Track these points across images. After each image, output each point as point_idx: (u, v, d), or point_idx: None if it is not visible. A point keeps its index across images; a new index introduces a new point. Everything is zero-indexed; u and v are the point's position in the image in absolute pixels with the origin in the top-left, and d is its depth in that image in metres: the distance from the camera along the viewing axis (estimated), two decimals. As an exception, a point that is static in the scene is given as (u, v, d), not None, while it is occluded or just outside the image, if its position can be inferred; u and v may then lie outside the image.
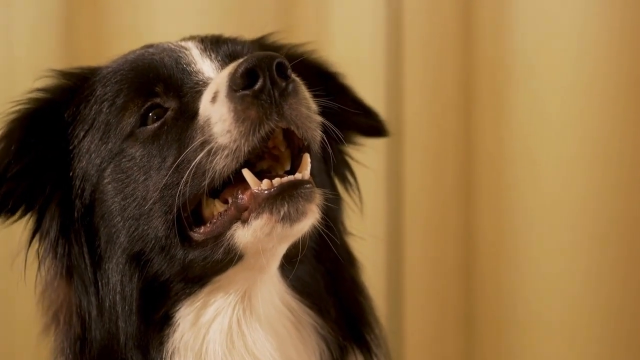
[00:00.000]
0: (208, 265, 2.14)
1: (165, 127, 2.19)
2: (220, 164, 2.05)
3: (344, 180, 2.50)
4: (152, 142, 2.19)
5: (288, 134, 2.10)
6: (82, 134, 2.27)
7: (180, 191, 2.09)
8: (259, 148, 2.06)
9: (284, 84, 2.04)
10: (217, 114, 2.06)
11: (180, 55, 2.25)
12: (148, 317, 2.19)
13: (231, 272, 2.15)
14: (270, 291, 2.22)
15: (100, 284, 2.23)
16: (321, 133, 2.12)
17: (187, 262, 2.15)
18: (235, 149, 2.04)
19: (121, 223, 2.20)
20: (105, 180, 2.23)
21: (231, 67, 2.07)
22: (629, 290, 3.66)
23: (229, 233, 2.08)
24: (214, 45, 2.29)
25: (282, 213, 2.04)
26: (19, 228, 2.31)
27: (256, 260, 2.12)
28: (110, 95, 2.26)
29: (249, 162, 2.08)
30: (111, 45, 3.32)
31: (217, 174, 2.05)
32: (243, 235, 2.07)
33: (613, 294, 3.66)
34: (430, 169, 3.78)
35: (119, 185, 2.21)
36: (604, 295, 3.66)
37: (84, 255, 2.24)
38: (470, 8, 3.76)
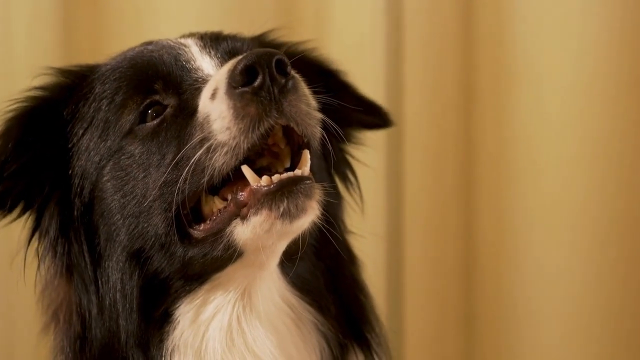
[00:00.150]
0: (208, 262, 2.13)
1: (165, 125, 2.18)
2: (220, 161, 2.04)
3: (345, 179, 2.50)
4: (152, 139, 2.18)
5: (288, 131, 2.09)
6: (81, 131, 2.27)
7: (179, 188, 2.08)
8: (259, 145, 2.06)
9: (283, 80, 2.04)
10: (216, 110, 2.06)
11: (180, 52, 2.25)
12: (148, 314, 2.18)
13: (231, 269, 2.15)
14: (270, 288, 2.22)
15: (100, 282, 2.23)
16: (321, 130, 2.12)
17: (187, 260, 2.14)
18: (235, 146, 2.04)
19: (121, 221, 2.20)
20: (105, 178, 2.22)
21: (230, 64, 2.07)
22: (629, 290, 3.66)
23: (228, 230, 2.08)
24: (214, 42, 2.29)
25: (281, 209, 2.03)
26: (18, 227, 2.31)
27: (256, 257, 2.11)
28: (109, 92, 2.26)
29: (249, 159, 2.08)
30: (110, 43, 3.32)
31: (216, 171, 2.05)
32: (242, 231, 2.07)
33: (613, 294, 3.65)
34: (430, 169, 3.78)
35: (118, 182, 2.21)
36: (604, 295, 3.65)
37: (84, 253, 2.24)
38: (470, 8, 3.76)
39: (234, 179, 2.09)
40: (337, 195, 2.42)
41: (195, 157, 2.05)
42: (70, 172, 2.27)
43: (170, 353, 2.17)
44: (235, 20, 3.49)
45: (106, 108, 2.25)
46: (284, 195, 2.04)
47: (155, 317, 2.18)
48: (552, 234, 3.67)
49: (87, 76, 2.32)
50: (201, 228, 2.13)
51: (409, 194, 3.76)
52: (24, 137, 2.26)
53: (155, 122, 2.20)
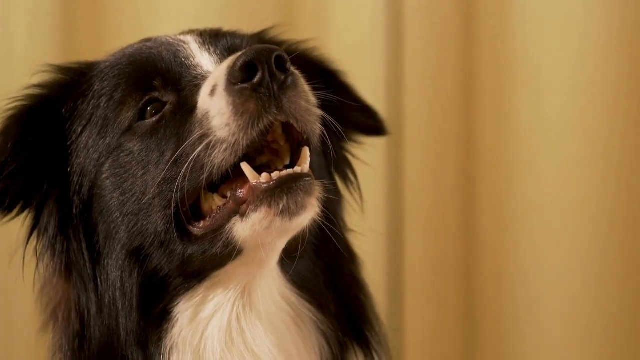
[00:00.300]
0: (207, 260, 2.12)
1: (164, 121, 2.18)
2: (219, 158, 2.03)
3: (345, 178, 2.49)
4: (151, 136, 2.18)
5: (287, 128, 2.08)
6: (79, 129, 2.26)
7: (178, 185, 2.07)
8: (258, 142, 2.05)
9: (283, 77, 2.03)
10: (215, 107, 2.05)
11: (179, 48, 2.24)
12: (147, 312, 2.17)
13: (230, 267, 2.14)
14: (269, 286, 2.21)
15: (99, 280, 2.22)
16: (321, 127, 2.11)
17: (187, 257, 2.14)
18: (234, 143, 2.03)
19: (120, 218, 2.19)
20: (104, 176, 2.22)
21: (230, 60, 2.06)
22: (629, 290, 3.66)
23: (227, 227, 2.07)
24: (213, 39, 2.28)
25: (281, 206, 2.02)
26: (17, 225, 2.30)
27: (255, 254, 2.10)
28: (108, 89, 2.25)
29: (248, 157, 2.07)
30: (110, 43, 3.30)
31: (215, 167, 2.04)
32: (242, 229, 2.06)
33: (613, 294, 3.65)
34: (430, 169, 3.77)
35: (117, 180, 2.20)
36: (604, 295, 3.65)
37: (83, 251, 2.23)
38: (470, 8, 3.76)
39: (234, 176, 2.08)
40: (337, 193, 2.41)
41: (195, 153, 2.05)
42: (69, 169, 2.26)
43: (169, 351, 2.16)
44: (234, 16, 3.49)
45: (105, 105, 2.24)
46: (284, 192, 2.03)
47: (154, 315, 2.17)
48: (552, 234, 3.66)
49: (86, 73, 2.31)
50: (200, 225, 2.12)
51: (409, 194, 3.76)
52: (23, 135, 2.25)
53: (154, 119, 2.19)
